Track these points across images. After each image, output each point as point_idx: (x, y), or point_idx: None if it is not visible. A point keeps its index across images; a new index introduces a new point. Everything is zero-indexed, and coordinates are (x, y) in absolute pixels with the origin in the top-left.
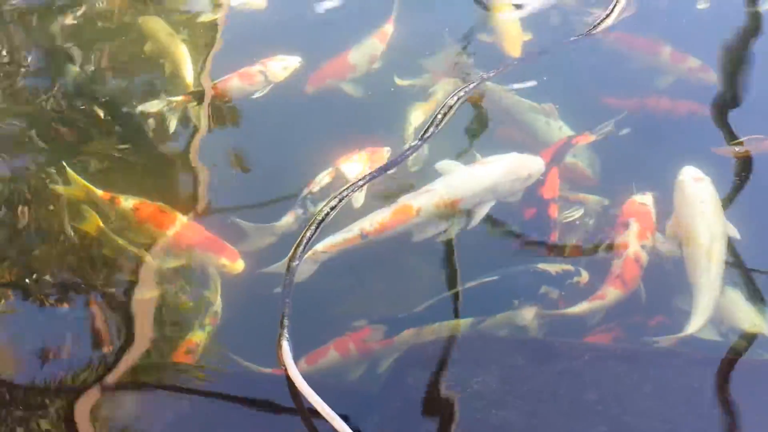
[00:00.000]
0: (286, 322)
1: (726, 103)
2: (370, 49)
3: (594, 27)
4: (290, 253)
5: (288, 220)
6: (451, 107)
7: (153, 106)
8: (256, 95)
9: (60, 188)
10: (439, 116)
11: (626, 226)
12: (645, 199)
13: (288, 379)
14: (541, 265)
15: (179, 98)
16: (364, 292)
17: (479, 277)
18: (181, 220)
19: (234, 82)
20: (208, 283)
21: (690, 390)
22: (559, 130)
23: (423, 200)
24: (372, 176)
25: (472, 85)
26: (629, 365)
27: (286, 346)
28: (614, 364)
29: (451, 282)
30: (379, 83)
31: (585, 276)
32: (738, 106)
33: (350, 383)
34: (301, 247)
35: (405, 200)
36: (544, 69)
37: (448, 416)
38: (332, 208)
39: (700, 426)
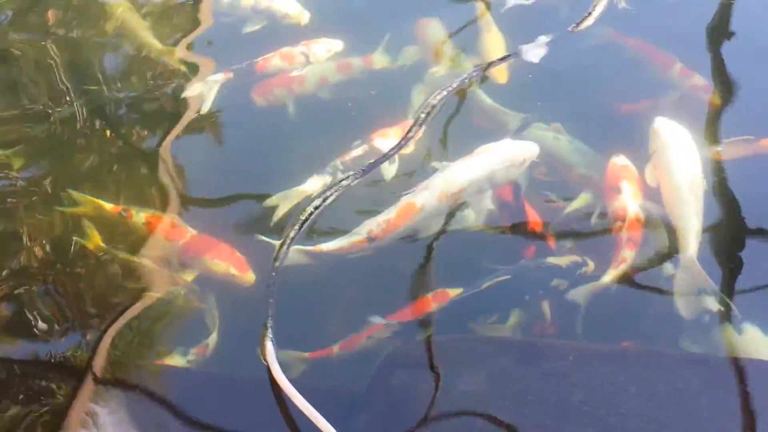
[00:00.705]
0: (269, 322)
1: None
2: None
3: (576, 25)
4: (275, 253)
5: (313, 183)
6: (434, 106)
7: (195, 89)
8: (294, 73)
9: (67, 209)
10: (422, 115)
11: (618, 190)
12: (622, 160)
13: (272, 379)
14: (551, 259)
15: (220, 76)
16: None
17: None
18: (192, 232)
19: (275, 61)
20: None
21: (676, 390)
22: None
23: (425, 196)
24: (356, 176)
25: (455, 84)
26: (615, 366)
27: (270, 346)
28: (600, 365)
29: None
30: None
31: (591, 265)
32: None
33: (335, 383)
34: (285, 247)
35: (407, 198)
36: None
37: (434, 417)
38: (316, 208)
39: (686, 427)
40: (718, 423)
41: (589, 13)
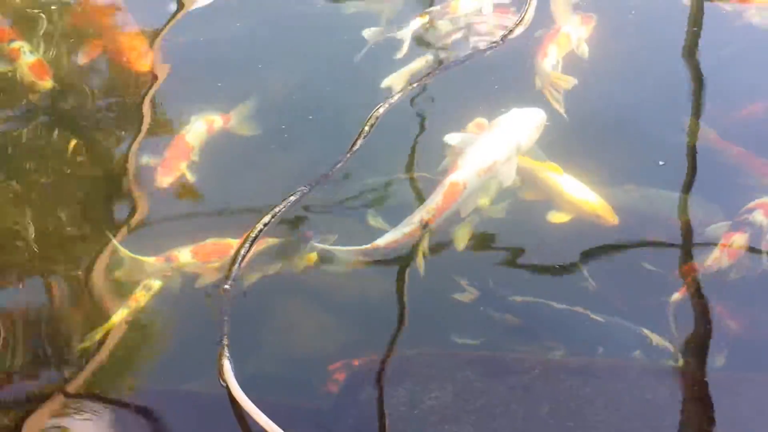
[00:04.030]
0: (225, 340)
1: None
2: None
3: (508, 33)
4: (227, 270)
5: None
6: (377, 118)
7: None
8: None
9: (118, 275)
10: (366, 128)
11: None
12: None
13: (231, 398)
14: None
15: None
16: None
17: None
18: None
19: None
20: None
21: (643, 402)
22: None
23: (465, 173)
24: (304, 192)
25: (398, 94)
26: (581, 378)
27: (227, 365)
28: (566, 377)
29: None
30: None
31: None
32: None
33: (300, 400)
34: (236, 265)
35: (450, 179)
36: None
37: None
38: (265, 225)
39: None
40: None
41: (520, 21)
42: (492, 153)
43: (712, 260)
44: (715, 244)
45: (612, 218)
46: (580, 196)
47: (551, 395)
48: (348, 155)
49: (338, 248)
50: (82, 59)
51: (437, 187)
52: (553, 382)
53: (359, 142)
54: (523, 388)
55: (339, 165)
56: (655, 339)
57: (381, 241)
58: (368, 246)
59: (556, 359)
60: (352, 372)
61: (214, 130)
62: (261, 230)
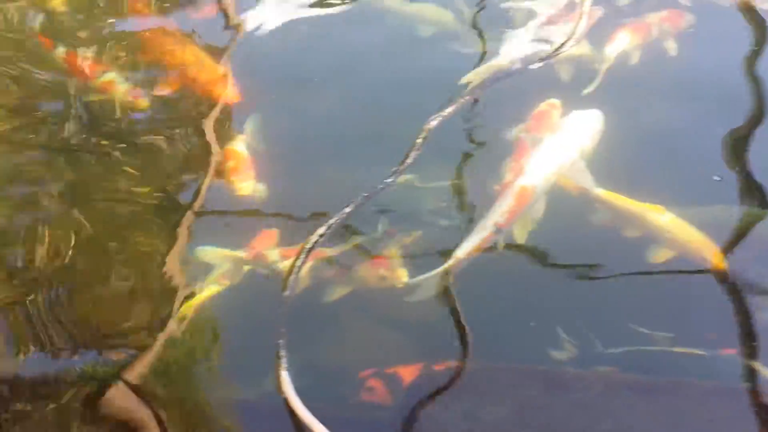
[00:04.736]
0: (282, 352)
1: None
2: None
3: (555, 51)
4: (283, 281)
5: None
6: (430, 131)
7: None
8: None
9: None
10: (419, 141)
11: None
12: None
13: (289, 409)
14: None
15: None
16: None
17: None
18: None
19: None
20: None
21: (704, 422)
22: None
23: (534, 177)
24: (358, 203)
25: (451, 108)
26: (643, 396)
27: (285, 376)
28: (628, 395)
29: None
30: None
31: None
32: None
33: (357, 413)
34: (293, 276)
35: (519, 183)
36: None
37: None
38: (321, 236)
39: None
40: None
41: (567, 40)
42: (558, 157)
43: None
44: None
45: (719, 262)
46: (685, 234)
47: (612, 412)
48: (399, 168)
49: (424, 277)
50: (163, 88)
51: (506, 190)
52: (614, 399)
53: (412, 154)
54: (584, 404)
55: (391, 178)
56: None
57: (461, 253)
58: (451, 262)
59: (618, 376)
60: (410, 385)
61: None
62: (317, 241)
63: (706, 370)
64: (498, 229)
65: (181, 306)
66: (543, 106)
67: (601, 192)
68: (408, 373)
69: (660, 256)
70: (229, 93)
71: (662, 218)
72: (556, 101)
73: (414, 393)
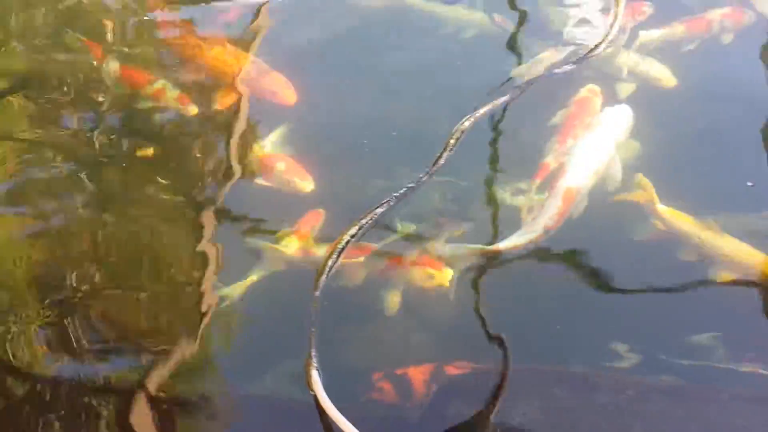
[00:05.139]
0: (313, 351)
1: None
2: None
3: (591, 51)
4: (314, 281)
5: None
6: (463, 132)
7: None
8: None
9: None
10: (452, 141)
11: None
12: None
13: (320, 407)
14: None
15: None
16: None
17: None
18: None
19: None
20: None
21: (736, 428)
22: None
23: (577, 178)
24: (390, 204)
25: (483, 109)
26: (674, 400)
27: (315, 375)
28: (658, 399)
29: None
30: None
31: None
32: None
33: (387, 411)
34: (324, 276)
35: (564, 184)
36: None
37: None
38: (352, 236)
39: None
40: None
41: (603, 40)
42: (597, 156)
43: None
44: None
45: None
46: (745, 256)
47: (643, 416)
48: (432, 168)
49: (460, 246)
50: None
51: (551, 192)
52: (645, 404)
53: (444, 155)
54: (614, 408)
55: (424, 177)
56: None
57: (503, 245)
58: (491, 247)
59: (649, 380)
60: (441, 385)
61: None
62: (348, 241)
63: (736, 377)
64: (547, 231)
65: (218, 303)
66: (584, 92)
67: (662, 208)
68: (437, 373)
69: (724, 277)
70: (287, 95)
71: (719, 239)
72: (596, 87)
73: (445, 393)
